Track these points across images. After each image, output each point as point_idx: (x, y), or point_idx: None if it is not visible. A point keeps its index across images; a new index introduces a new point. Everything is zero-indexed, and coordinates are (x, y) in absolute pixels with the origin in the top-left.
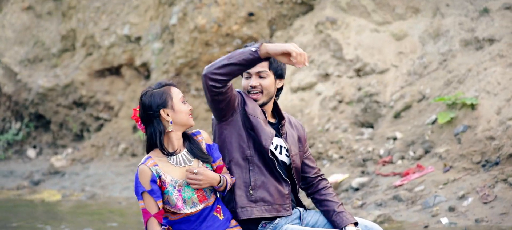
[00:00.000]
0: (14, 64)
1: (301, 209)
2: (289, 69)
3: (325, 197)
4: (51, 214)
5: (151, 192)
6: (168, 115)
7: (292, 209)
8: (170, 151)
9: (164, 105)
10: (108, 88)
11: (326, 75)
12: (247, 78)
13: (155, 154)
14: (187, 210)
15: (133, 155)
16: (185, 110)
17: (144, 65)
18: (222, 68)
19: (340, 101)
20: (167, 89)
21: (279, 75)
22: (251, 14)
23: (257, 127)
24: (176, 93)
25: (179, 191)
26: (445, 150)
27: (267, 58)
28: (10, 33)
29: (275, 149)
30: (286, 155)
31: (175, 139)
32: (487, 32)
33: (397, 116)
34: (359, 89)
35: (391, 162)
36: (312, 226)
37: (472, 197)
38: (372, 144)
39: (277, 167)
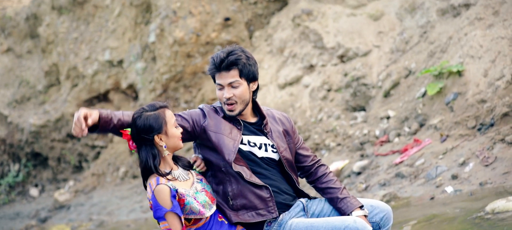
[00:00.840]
0: (2, 107)
1: (304, 200)
2: (273, 66)
3: (327, 184)
4: None
5: (174, 209)
6: (161, 139)
7: (294, 200)
8: (167, 171)
9: (159, 131)
10: None
11: (311, 67)
12: (220, 89)
13: (156, 177)
14: (208, 213)
15: (134, 177)
16: (177, 135)
17: (131, 86)
18: None
19: (329, 90)
20: (162, 113)
21: (252, 79)
22: (227, 19)
23: (218, 143)
24: (169, 117)
25: (195, 198)
26: (439, 120)
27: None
28: None
29: (260, 148)
30: (273, 151)
31: (169, 159)
32: None
33: (386, 95)
34: (345, 75)
35: (388, 141)
36: (318, 215)
37: (473, 162)
38: (367, 126)
39: (259, 169)
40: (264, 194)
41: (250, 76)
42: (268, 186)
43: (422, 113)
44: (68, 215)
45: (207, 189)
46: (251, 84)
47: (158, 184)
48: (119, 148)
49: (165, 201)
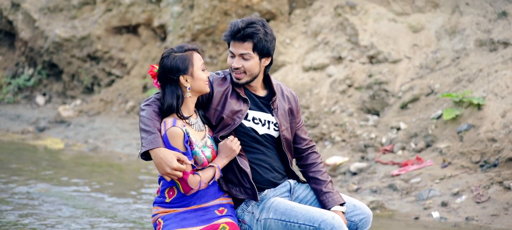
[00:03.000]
0: (33, 11)
1: (292, 181)
2: (303, 47)
3: (314, 174)
4: (52, 161)
5: (186, 154)
6: (186, 81)
7: (283, 179)
8: (185, 115)
9: (184, 71)
10: (123, 46)
11: (339, 59)
12: (231, 57)
13: (173, 118)
14: None
15: None
16: (203, 79)
17: (162, 27)
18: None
19: (350, 86)
20: (190, 55)
21: (265, 54)
22: None
23: (217, 121)
24: (197, 60)
25: (202, 152)
26: (446, 145)
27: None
28: None
29: (263, 125)
30: (274, 129)
31: (191, 104)
32: (503, 35)
33: (403, 106)
34: (370, 76)
35: (391, 151)
36: (301, 201)
37: (466, 195)
38: (376, 131)
39: (256, 145)
40: (247, 184)
41: (264, 51)
42: (248, 175)
43: (431, 135)
44: (66, 131)
45: (215, 148)
46: (263, 60)
47: (173, 125)
48: (134, 82)
49: (178, 144)
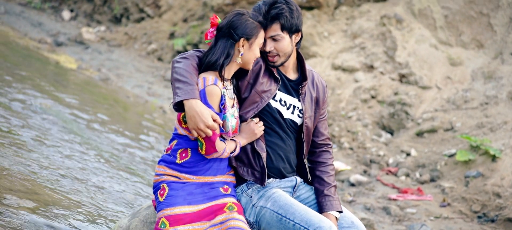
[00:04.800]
0: None
1: (299, 179)
2: (339, 45)
3: (320, 174)
4: (60, 78)
5: (218, 115)
6: (243, 46)
7: (291, 174)
8: (226, 77)
9: (248, 37)
10: None
11: (371, 67)
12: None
13: (214, 76)
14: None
15: (159, 59)
16: (256, 55)
17: None
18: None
19: (373, 97)
20: (259, 28)
21: (295, 31)
22: None
23: (245, 96)
24: (261, 37)
25: (230, 120)
26: (450, 186)
27: None
28: None
29: (288, 108)
30: (299, 115)
31: (233, 69)
32: None
33: (419, 134)
34: (396, 94)
35: (395, 174)
36: (301, 201)
37: None
38: (385, 149)
39: (278, 129)
40: (258, 167)
41: (293, 28)
42: (262, 158)
43: (439, 170)
44: (83, 53)
45: (239, 120)
46: (293, 37)
47: (215, 83)
48: (163, 26)
49: (214, 103)
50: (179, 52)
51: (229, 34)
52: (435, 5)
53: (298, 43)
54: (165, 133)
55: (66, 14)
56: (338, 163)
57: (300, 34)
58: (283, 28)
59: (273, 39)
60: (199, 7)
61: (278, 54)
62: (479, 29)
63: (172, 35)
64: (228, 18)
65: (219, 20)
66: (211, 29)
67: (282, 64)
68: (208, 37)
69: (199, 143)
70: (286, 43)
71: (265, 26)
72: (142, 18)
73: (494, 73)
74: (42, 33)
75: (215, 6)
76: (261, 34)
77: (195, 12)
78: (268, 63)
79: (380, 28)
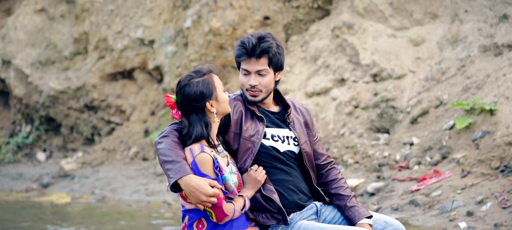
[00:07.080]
0: (25, 67)
1: (318, 203)
2: (304, 73)
3: (336, 190)
4: (60, 216)
5: (216, 180)
6: (212, 106)
7: (309, 201)
8: (215, 142)
9: (210, 97)
10: (120, 92)
11: (342, 81)
12: (245, 75)
13: (200, 144)
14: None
15: (144, 159)
16: (226, 100)
17: (157, 68)
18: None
19: (356, 107)
20: (210, 78)
21: (279, 68)
22: (266, 17)
23: (236, 146)
24: (217, 82)
25: (230, 179)
26: (462, 155)
27: None
28: (22, 35)
29: (283, 141)
30: (294, 144)
31: (216, 129)
32: (506, 38)
33: (413, 121)
34: (376, 94)
35: (407, 167)
36: (329, 222)
37: (491, 202)
38: (388, 149)
39: (280, 165)
40: (275, 209)
41: (278, 65)
42: (274, 200)
43: (446, 146)
44: (71, 185)
45: (239, 174)
46: (276, 74)
47: (202, 151)
48: (134, 128)
49: (208, 170)
50: None
51: (193, 107)
52: None
53: (277, 81)
54: (178, 223)
55: (41, 156)
56: (351, 180)
57: (282, 72)
58: (270, 63)
59: (259, 73)
60: (158, 95)
61: (261, 90)
62: (427, 1)
63: (146, 132)
64: (180, 94)
65: (173, 97)
66: (173, 111)
67: (262, 100)
68: (178, 118)
69: (208, 213)
70: (270, 79)
71: (250, 58)
72: (113, 129)
73: (458, 35)
74: (26, 183)
75: (169, 90)
76: (216, 79)
77: (158, 101)
78: (247, 101)
79: (335, 41)
